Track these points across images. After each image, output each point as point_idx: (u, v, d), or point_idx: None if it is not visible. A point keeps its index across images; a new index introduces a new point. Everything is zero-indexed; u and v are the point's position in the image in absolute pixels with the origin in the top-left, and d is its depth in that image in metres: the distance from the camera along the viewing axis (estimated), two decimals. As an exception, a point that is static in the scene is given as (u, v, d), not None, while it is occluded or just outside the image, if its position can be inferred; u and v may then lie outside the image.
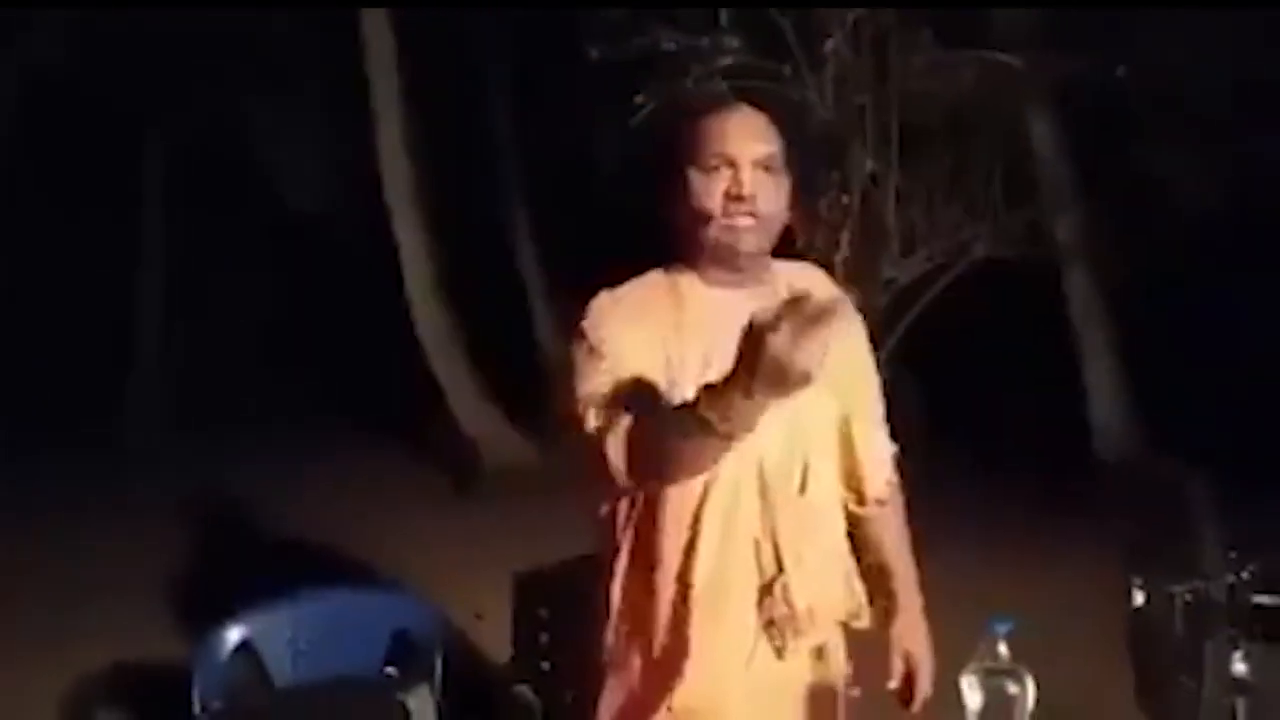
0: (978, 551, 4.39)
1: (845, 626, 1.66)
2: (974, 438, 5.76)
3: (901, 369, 4.79)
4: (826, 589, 1.59)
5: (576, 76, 5.47)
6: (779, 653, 1.55)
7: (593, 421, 1.49)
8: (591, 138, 7.37)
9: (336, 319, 8.02)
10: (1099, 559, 3.85)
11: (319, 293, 8.35)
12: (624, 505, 1.60)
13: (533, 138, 7.94)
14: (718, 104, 1.64)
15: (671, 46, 4.54)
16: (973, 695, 1.36)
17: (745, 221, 1.56)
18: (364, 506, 5.23)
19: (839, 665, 1.65)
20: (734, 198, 1.55)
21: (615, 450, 1.45)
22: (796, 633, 1.55)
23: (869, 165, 4.73)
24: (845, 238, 4.82)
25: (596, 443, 1.47)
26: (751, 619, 1.55)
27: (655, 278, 1.63)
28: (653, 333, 1.55)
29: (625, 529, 1.60)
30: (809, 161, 4.58)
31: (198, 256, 8.05)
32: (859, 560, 1.70)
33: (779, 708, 1.59)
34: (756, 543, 1.55)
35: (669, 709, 1.56)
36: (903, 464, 1.76)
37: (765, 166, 1.58)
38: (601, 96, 5.38)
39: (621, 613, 1.61)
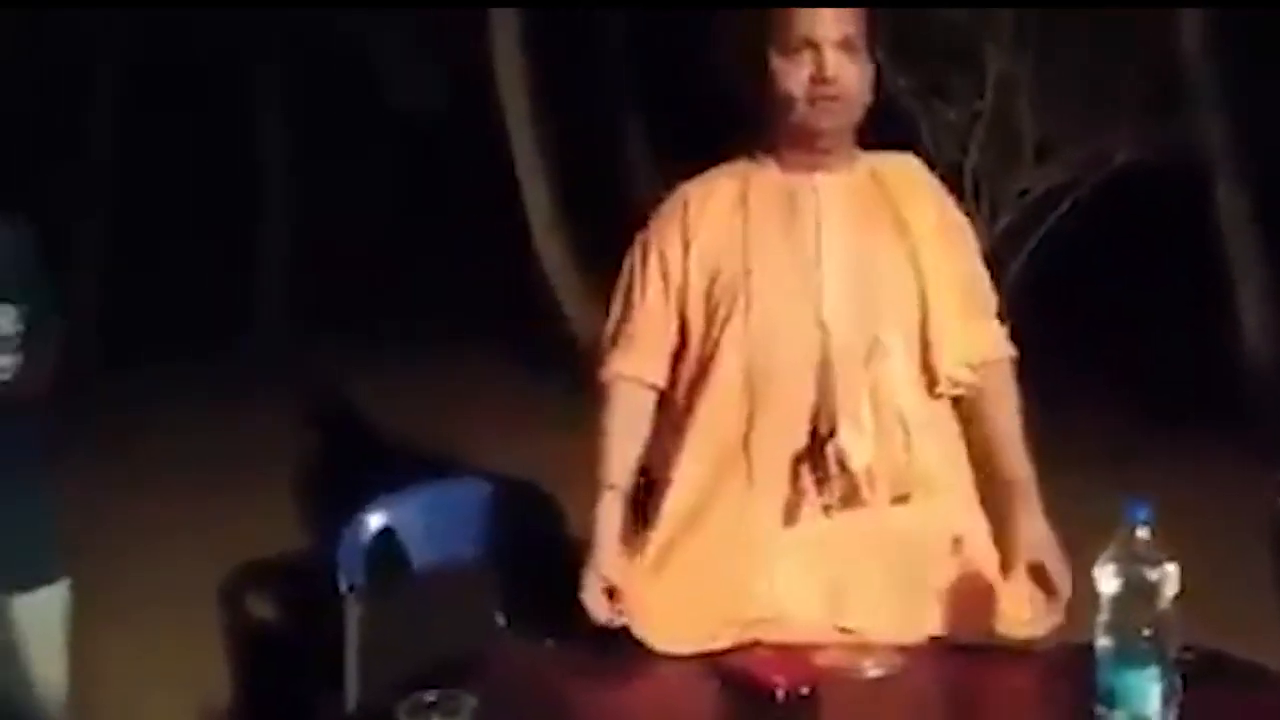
0: (1123, 453, 4.27)
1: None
2: (1118, 350, 5.56)
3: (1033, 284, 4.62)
4: (888, 454, 1.57)
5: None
6: (826, 510, 1.57)
7: (606, 372, 1.71)
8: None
9: (457, 223, 8.07)
10: (1246, 462, 3.73)
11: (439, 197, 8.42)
12: (679, 376, 1.67)
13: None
14: None
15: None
16: (1108, 582, 1.33)
17: (828, 103, 1.58)
18: (497, 403, 5.41)
19: (930, 527, 1.62)
20: (818, 81, 1.56)
21: (603, 412, 1.70)
22: (854, 493, 1.56)
23: (1002, 66, 4.53)
24: (975, 145, 4.65)
25: (598, 387, 1.71)
26: (804, 481, 1.57)
27: (726, 169, 1.69)
28: (714, 233, 1.63)
29: (676, 400, 1.68)
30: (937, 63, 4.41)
31: (318, 166, 8.14)
32: (971, 451, 1.68)
33: (836, 563, 1.59)
34: (812, 410, 1.57)
35: (703, 565, 1.60)
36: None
37: (848, 47, 1.58)
38: None
39: (663, 478, 1.66)
